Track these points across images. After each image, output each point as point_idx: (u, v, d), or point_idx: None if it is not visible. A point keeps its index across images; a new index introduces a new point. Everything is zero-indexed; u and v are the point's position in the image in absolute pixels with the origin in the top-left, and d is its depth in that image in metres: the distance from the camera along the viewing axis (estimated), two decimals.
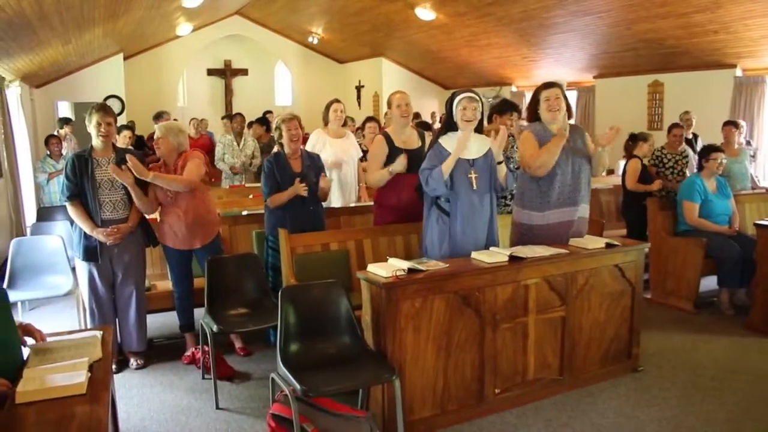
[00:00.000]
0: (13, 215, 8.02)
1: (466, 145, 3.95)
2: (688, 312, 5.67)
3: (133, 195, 4.32)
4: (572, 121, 4.55)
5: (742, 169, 6.84)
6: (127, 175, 4.20)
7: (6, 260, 5.21)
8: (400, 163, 4.51)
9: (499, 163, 4.06)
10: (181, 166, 4.53)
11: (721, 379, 4.29)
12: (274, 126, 4.83)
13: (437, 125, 9.35)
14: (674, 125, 6.79)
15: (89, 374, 2.35)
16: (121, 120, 11.13)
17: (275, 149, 5.05)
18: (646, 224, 6.15)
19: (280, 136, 4.68)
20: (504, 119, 4.97)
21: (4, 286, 4.95)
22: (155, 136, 4.69)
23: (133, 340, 4.53)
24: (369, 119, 7.17)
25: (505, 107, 5.06)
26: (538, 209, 4.30)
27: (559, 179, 4.25)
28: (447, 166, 3.91)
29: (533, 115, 4.42)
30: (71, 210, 4.31)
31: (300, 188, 4.52)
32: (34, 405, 2.15)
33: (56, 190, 7.45)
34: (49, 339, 2.66)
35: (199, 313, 4.40)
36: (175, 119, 10.01)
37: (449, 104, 4.11)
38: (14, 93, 8.78)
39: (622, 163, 6.79)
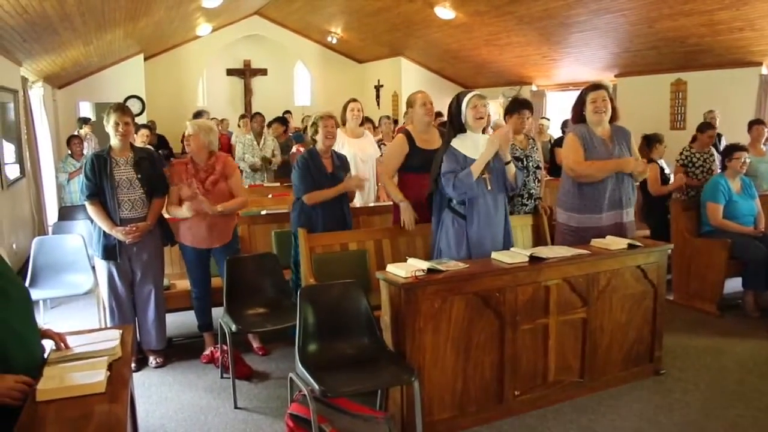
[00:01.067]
0: (36, 214, 8.11)
1: (495, 148, 3.91)
2: (711, 314, 5.58)
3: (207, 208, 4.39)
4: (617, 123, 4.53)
5: None
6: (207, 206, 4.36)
7: (28, 259, 5.26)
8: (408, 221, 4.52)
9: (507, 163, 4.04)
10: (212, 165, 4.56)
11: (747, 383, 4.21)
12: (309, 122, 4.79)
13: None
14: (707, 125, 6.65)
15: (108, 373, 2.35)
16: (142, 120, 11.23)
17: (295, 149, 5.04)
18: (668, 227, 6.06)
19: (315, 132, 4.65)
20: (514, 119, 4.92)
21: (26, 284, 5.00)
22: (186, 133, 4.72)
23: (152, 339, 4.55)
24: (383, 118, 7.19)
25: (514, 106, 5.02)
26: (587, 212, 4.34)
27: (605, 183, 4.30)
28: (477, 168, 3.88)
29: (578, 116, 4.43)
30: (90, 209, 4.34)
31: (353, 183, 4.60)
32: (54, 403, 2.15)
33: (77, 189, 7.52)
34: (68, 338, 2.66)
35: (217, 313, 4.42)
36: (213, 118, 10.06)
37: (456, 105, 4.07)
38: (37, 94, 8.88)
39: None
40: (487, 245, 3.98)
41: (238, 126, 9.28)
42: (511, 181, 4.08)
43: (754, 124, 6.88)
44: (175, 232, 4.61)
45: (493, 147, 3.92)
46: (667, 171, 6.53)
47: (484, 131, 4.18)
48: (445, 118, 8.24)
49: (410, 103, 4.80)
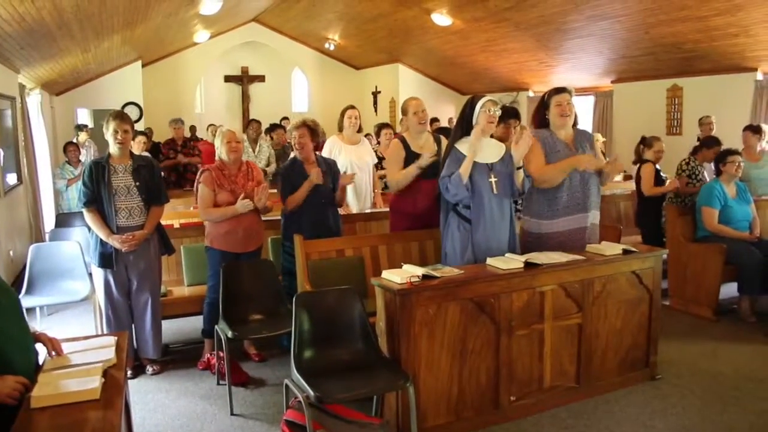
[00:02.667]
0: (33, 221, 8.12)
1: (479, 146, 3.93)
2: (707, 319, 5.59)
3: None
4: (579, 127, 4.50)
5: (762, 175, 6.73)
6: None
7: (25, 266, 5.26)
8: (426, 158, 4.46)
9: (519, 168, 4.05)
10: (246, 171, 4.65)
11: (743, 388, 4.21)
12: (289, 131, 4.88)
13: None
14: (715, 141, 6.54)
15: (103, 380, 2.36)
16: (140, 127, 11.24)
17: (292, 155, 5.08)
18: (662, 231, 6.07)
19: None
20: (502, 128, 4.88)
21: (23, 291, 5.01)
22: (293, 136, 4.77)
23: (149, 348, 4.55)
24: (384, 125, 7.17)
25: (503, 114, 4.98)
26: (548, 217, 4.26)
27: (567, 186, 4.22)
28: (465, 170, 3.89)
29: (541, 120, 4.38)
30: (88, 216, 4.35)
31: (314, 175, 4.57)
32: (48, 410, 2.16)
33: (74, 196, 7.53)
34: (64, 344, 2.66)
35: None
36: (211, 125, 10.03)
37: (469, 107, 4.08)
38: (34, 100, 8.90)
39: (634, 168, 6.69)
40: (492, 249, 3.98)
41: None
42: (518, 186, 4.09)
43: (745, 130, 6.89)
44: (209, 237, 4.58)
45: (473, 149, 3.91)
46: (664, 175, 6.53)
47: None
48: (442, 124, 8.26)
49: (404, 111, 4.81)
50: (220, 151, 4.57)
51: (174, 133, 9.24)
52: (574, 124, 4.37)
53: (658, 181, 6.35)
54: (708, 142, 6.62)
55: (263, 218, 4.77)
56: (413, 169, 4.52)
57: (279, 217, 4.91)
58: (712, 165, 6.05)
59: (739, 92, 8.92)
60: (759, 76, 8.84)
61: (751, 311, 5.60)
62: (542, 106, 4.37)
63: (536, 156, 4.22)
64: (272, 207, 4.81)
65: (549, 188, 4.23)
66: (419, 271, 3.51)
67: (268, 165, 8.12)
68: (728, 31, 7.87)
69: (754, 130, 6.88)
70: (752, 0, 6.94)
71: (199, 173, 4.61)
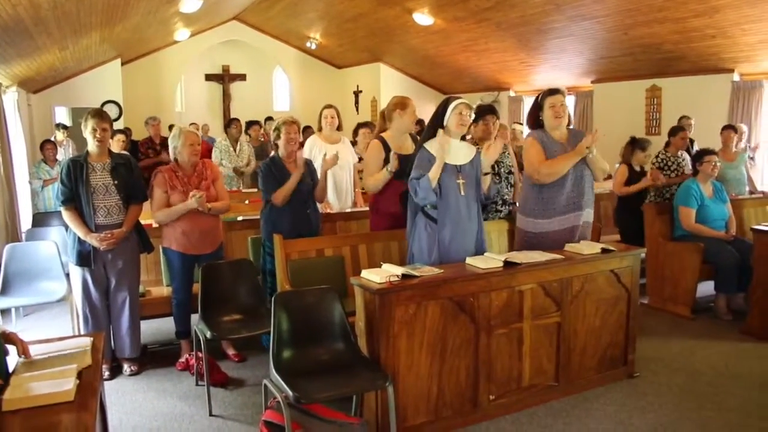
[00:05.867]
0: (9, 221, 8.00)
1: (446, 147, 3.93)
2: (685, 317, 5.65)
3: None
4: (571, 127, 4.56)
5: (738, 175, 6.83)
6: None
7: (0, 266, 5.19)
8: (394, 162, 4.46)
9: (486, 174, 4.08)
10: (201, 171, 4.61)
11: (719, 384, 4.27)
12: (273, 127, 4.82)
13: None
14: (680, 128, 6.73)
15: (77, 381, 2.33)
16: (119, 125, 11.13)
17: (272, 153, 5.05)
18: (639, 230, 6.12)
19: (278, 137, 4.69)
20: (481, 125, 4.92)
21: None
22: (284, 132, 4.69)
23: (126, 347, 4.51)
24: (362, 125, 7.15)
25: (480, 112, 5.00)
26: (545, 216, 4.34)
27: (563, 186, 4.30)
28: (434, 175, 3.89)
29: (535, 121, 4.45)
30: (65, 215, 4.31)
31: (301, 166, 4.57)
32: (20, 413, 2.13)
33: (51, 196, 7.45)
34: (38, 346, 2.63)
35: (194, 320, 4.39)
36: (193, 123, 9.90)
37: (442, 108, 4.09)
38: (11, 98, 8.77)
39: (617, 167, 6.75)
40: (458, 250, 3.99)
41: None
42: (484, 191, 4.14)
43: (724, 129, 6.98)
44: (165, 238, 4.56)
45: (442, 153, 3.91)
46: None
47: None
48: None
49: (400, 106, 4.63)
50: (179, 153, 4.52)
51: (151, 131, 9.10)
52: (568, 124, 4.44)
53: (632, 182, 6.38)
54: (672, 130, 6.75)
55: (245, 218, 4.74)
56: (385, 173, 4.53)
57: (258, 217, 4.88)
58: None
59: (717, 93, 9.02)
60: (736, 77, 8.95)
61: (727, 309, 5.67)
62: (536, 108, 4.44)
63: (537, 154, 4.32)
64: (229, 208, 4.78)
65: (545, 188, 4.31)
66: (399, 270, 3.51)
67: (248, 164, 8.07)
68: (705, 33, 7.95)
69: (735, 129, 6.98)
70: (729, 2, 7.02)
71: (152, 175, 4.57)
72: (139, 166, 4.78)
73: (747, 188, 7.00)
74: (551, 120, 4.35)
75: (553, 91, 4.38)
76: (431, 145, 4.01)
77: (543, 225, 4.35)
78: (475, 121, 4.97)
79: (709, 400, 4.03)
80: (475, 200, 4.11)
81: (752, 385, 4.25)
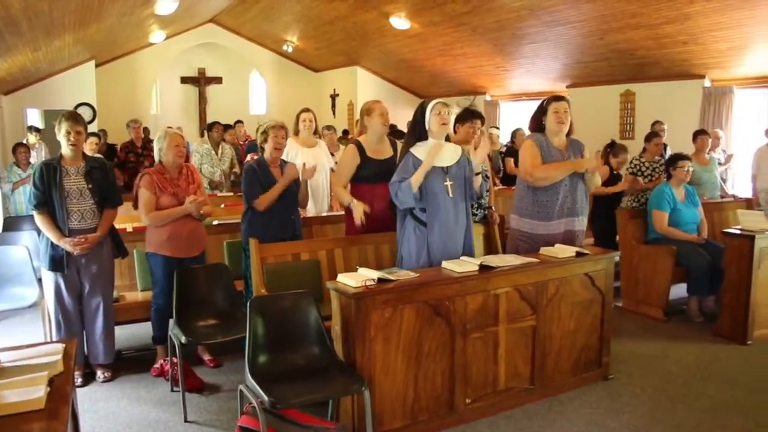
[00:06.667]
0: None
1: (437, 154, 3.95)
2: (658, 320, 5.73)
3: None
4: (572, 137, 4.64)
5: (712, 178, 6.94)
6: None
7: None
8: (358, 214, 4.38)
9: (477, 174, 4.12)
10: (187, 174, 4.60)
11: (691, 386, 4.33)
12: (259, 131, 4.77)
13: None
14: (655, 134, 6.83)
15: (48, 389, 2.29)
16: (93, 128, 11.00)
17: (249, 157, 5.01)
18: (614, 233, 6.20)
19: (264, 140, 4.65)
20: (466, 128, 4.97)
21: None
22: (272, 136, 4.65)
23: (100, 353, 4.45)
24: (326, 128, 7.18)
25: (466, 116, 5.06)
26: (543, 218, 4.42)
27: (559, 190, 4.39)
28: (416, 180, 3.91)
29: (538, 125, 4.54)
30: (38, 219, 4.24)
31: (291, 171, 4.57)
32: None
33: (22, 200, 7.33)
34: (8, 353, 2.58)
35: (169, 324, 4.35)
36: (169, 127, 9.78)
37: (420, 112, 4.11)
38: None
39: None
40: (448, 252, 4.01)
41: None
42: (476, 191, 4.19)
43: (699, 134, 7.10)
44: (150, 243, 4.50)
45: (430, 158, 3.94)
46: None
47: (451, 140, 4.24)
48: (399, 128, 8.23)
49: (367, 112, 4.69)
50: (164, 154, 4.49)
51: (132, 134, 8.96)
52: (569, 133, 4.51)
53: (612, 183, 6.48)
54: (647, 136, 6.86)
55: (220, 222, 4.71)
56: (347, 200, 4.53)
57: (234, 221, 4.85)
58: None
59: (689, 98, 9.17)
60: (707, 83, 9.10)
61: (699, 311, 5.76)
62: (540, 112, 4.53)
63: (533, 156, 4.41)
64: (211, 213, 4.77)
65: (540, 191, 4.39)
66: (375, 274, 3.51)
67: (232, 168, 7.99)
68: (678, 39, 8.08)
69: (706, 134, 7.10)
70: (700, 10, 7.14)
71: (138, 177, 4.52)
72: (114, 169, 4.73)
73: (719, 192, 7.12)
74: (554, 125, 4.43)
75: (559, 98, 4.50)
76: (418, 151, 4.03)
77: (539, 227, 4.43)
78: (461, 122, 5.02)
79: (681, 401, 4.08)
80: (463, 201, 4.13)
81: (723, 386, 4.32)
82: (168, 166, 4.51)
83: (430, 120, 4.04)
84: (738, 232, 5.24)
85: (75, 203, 4.25)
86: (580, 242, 4.55)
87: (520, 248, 4.47)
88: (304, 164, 4.85)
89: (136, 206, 4.52)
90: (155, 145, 4.56)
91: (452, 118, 4.15)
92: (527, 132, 4.97)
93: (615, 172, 6.57)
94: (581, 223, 4.56)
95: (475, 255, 4.24)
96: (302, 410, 3.31)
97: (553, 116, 4.43)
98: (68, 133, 4.24)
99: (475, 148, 4.23)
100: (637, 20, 7.84)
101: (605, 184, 6.44)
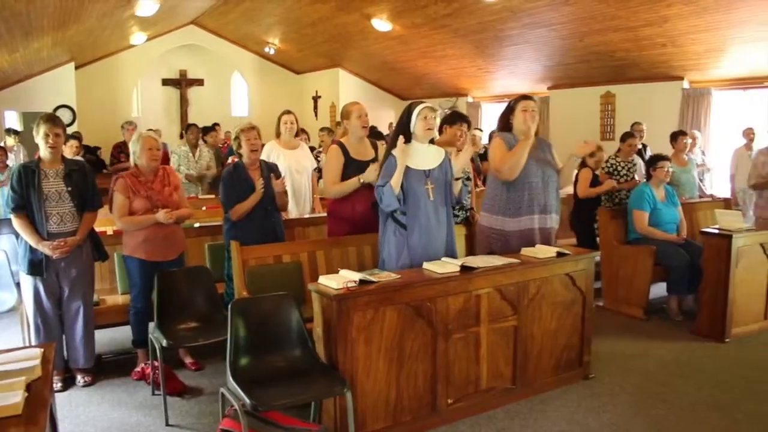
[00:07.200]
0: None
1: (405, 158, 3.95)
2: (638, 319, 5.78)
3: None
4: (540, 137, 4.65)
5: (690, 179, 7.02)
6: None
7: None
8: (372, 173, 4.42)
9: (457, 179, 4.13)
10: (163, 177, 4.56)
11: (670, 383, 4.37)
12: (232, 136, 4.77)
13: None
14: (629, 134, 6.94)
15: (26, 394, 2.27)
16: (73, 130, 10.90)
17: (230, 159, 4.99)
18: (595, 234, 6.25)
19: (239, 146, 4.64)
20: (454, 129, 5.00)
21: None
22: (244, 139, 4.62)
23: (80, 357, 4.41)
24: (322, 129, 7.19)
25: (454, 118, 5.09)
26: (512, 215, 4.41)
27: (530, 186, 4.39)
28: (395, 182, 3.92)
29: (505, 124, 4.54)
30: (16, 222, 4.20)
31: (259, 186, 4.50)
32: None
33: (0, 203, 7.23)
34: None
35: (150, 328, 4.32)
36: (150, 129, 9.74)
37: (406, 115, 4.11)
38: None
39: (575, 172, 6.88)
40: (428, 254, 4.01)
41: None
42: (456, 194, 4.20)
43: (677, 135, 7.18)
44: (127, 246, 4.47)
45: (402, 160, 3.93)
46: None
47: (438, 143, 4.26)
48: (379, 130, 8.24)
49: (345, 115, 4.73)
50: (138, 158, 4.47)
51: (126, 136, 8.91)
52: (537, 132, 4.52)
53: (594, 185, 6.54)
54: (622, 137, 6.96)
55: (202, 224, 4.69)
56: (355, 182, 4.51)
57: (215, 223, 4.83)
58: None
59: (668, 99, 9.29)
60: (685, 84, 9.22)
61: (678, 310, 5.82)
62: (508, 111, 4.53)
63: (499, 152, 4.40)
64: (190, 216, 4.75)
65: (512, 187, 4.38)
66: (356, 276, 3.51)
67: (208, 169, 7.96)
68: (656, 41, 8.18)
69: (683, 135, 7.19)
70: (678, 13, 7.24)
71: (113, 180, 4.50)
72: (93, 172, 4.69)
73: (698, 192, 7.20)
74: (521, 124, 4.42)
75: (527, 97, 4.51)
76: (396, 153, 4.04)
77: (510, 224, 4.42)
78: (449, 124, 5.04)
79: (661, 399, 4.12)
80: (444, 204, 4.13)
81: (702, 383, 4.37)
82: (143, 169, 4.49)
83: (416, 124, 4.05)
84: (716, 231, 5.30)
85: (54, 206, 4.22)
86: (554, 240, 4.54)
87: (494, 246, 4.45)
88: (275, 176, 4.78)
89: (112, 209, 4.50)
90: (131, 148, 4.54)
91: (437, 122, 4.16)
92: None
93: (595, 173, 6.62)
94: (553, 220, 4.54)
95: (458, 256, 4.26)
96: (284, 412, 3.30)
97: (521, 115, 4.43)
98: (47, 135, 4.20)
99: (456, 154, 4.24)
100: (617, 23, 7.92)
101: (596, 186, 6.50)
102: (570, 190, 7.26)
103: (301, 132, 7.70)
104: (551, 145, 4.64)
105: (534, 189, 4.40)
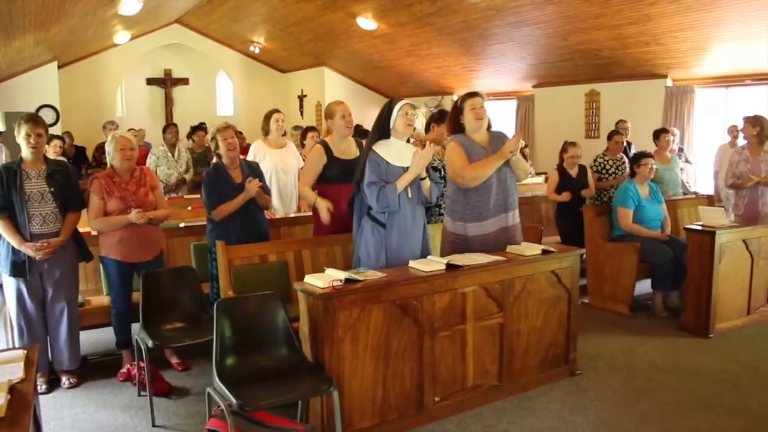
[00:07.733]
0: None
1: (425, 162, 3.94)
2: (624, 315, 5.82)
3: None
4: (492, 130, 4.54)
5: (674, 176, 7.07)
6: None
7: None
8: (323, 213, 4.48)
9: (423, 179, 4.10)
10: (139, 177, 4.52)
11: (655, 379, 4.41)
12: (209, 137, 4.75)
13: None
14: (615, 132, 6.99)
15: (9, 396, 2.25)
16: (57, 130, 10.82)
17: (214, 160, 4.97)
18: (579, 232, 6.27)
19: (217, 146, 4.62)
20: (442, 128, 5.01)
21: None
22: (219, 139, 4.60)
23: (65, 358, 4.38)
24: (309, 129, 7.15)
25: (443, 116, 5.09)
26: (475, 219, 4.31)
27: (489, 189, 4.28)
28: (403, 183, 3.91)
29: (456, 126, 4.44)
30: None
31: (253, 187, 4.47)
32: None
33: None
34: None
35: (135, 329, 4.29)
36: (131, 129, 9.66)
37: (387, 110, 4.10)
38: None
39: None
40: (405, 254, 4.02)
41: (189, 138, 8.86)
42: (425, 195, 4.16)
43: (660, 133, 7.22)
44: (103, 247, 4.45)
45: (422, 163, 3.93)
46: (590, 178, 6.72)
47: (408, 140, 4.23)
48: (364, 128, 8.21)
49: (329, 114, 4.72)
50: (112, 158, 4.45)
51: (107, 136, 8.81)
52: (489, 127, 4.45)
53: (566, 185, 6.53)
54: (608, 135, 7.03)
55: (187, 224, 4.66)
56: (312, 200, 4.56)
57: (200, 223, 4.82)
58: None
59: (652, 97, 9.36)
60: (669, 82, 9.29)
61: (663, 306, 5.87)
62: (456, 112, 4.43)
63: (460, 158, 4.27)
64: (168, 216, 4.72)
65: (471, 191, 4.28)
66: (342, 275, 3.51)
67: (186, 171, 7.86)
68: (640, 40, 8.23)
69: (666, 132, 7.23)
70: (661, 11, 7.29)
71: (89, 181, 4.47)
72: (77, 172, 4.66)
73: (681, 189, 7.26)
74: (472, 122, 4.33)
75: (473, 94, 4.39)
76: (381, 149, 4.02)
77: (472, 229, 4.32)
78: (437, 123, 5.02)
79: (646, 395, 4.16)
80: (418, 203, 4.14)
81: (687, 379, 4.41)
82: (118, 169, 4.47)
83: (396, 119, 4.04)
84: (699, 228, 5.35)
85: (36, 207, 4.18)
86: (518, 237, 4.46)
87: (456, 251, 4.29)
88: (250, 179, 4.74)
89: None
90: (106, 149, 4.52)
91: (417, 120, 4.14)
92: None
93: (574, 175, 6.59)
94: (515, 217, 4.44)
95: (442, 254, 4.26)
96: (271, 412, 3.30)
97: (470, 113, 4.33)
98: (28, 135, 4.17)
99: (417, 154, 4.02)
100: (600, 21, 7.96)
101: (560, 187, 6.48)
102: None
103: (293, 131, 7.66)
104: (505, 137, 4.42)
105: (494, 190, 4.28)
